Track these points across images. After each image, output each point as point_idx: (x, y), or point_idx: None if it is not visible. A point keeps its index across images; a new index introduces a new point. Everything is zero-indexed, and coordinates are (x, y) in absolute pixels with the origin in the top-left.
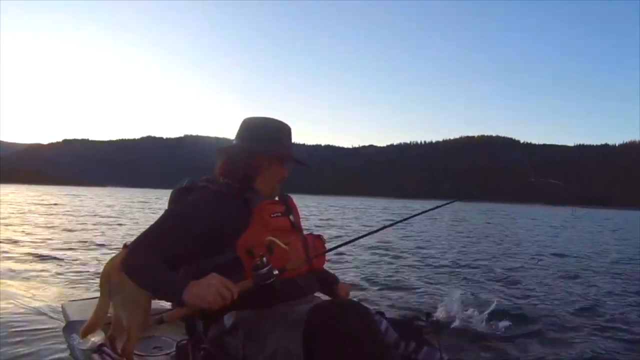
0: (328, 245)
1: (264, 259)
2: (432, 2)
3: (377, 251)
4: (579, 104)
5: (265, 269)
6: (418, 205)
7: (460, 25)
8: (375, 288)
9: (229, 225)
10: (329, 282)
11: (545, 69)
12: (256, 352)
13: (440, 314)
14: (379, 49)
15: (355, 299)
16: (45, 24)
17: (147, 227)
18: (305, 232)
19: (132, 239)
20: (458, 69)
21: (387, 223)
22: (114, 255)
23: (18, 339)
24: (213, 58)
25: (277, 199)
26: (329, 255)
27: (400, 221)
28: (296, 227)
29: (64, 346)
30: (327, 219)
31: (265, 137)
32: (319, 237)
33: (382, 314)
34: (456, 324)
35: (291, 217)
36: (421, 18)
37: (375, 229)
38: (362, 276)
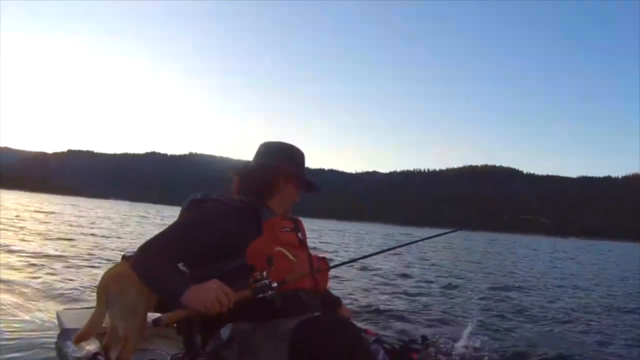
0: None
1: (264, 272)
2: (440, 26)
3: (374, 276)
4: (583, 135)
5: (264, 281)
6: (420, 232)
7: (464, 55)
8: (372, 311)
9: (239, 236)
10: (332, 304)
11: (550, 100)
12: None
13: (435, 337)
14: (385, 76)
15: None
16: (55, 33)
17: (157, 232)
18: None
19: (131, 249)
20: (462, 99)
21: (389, 247)
22: (112, 265)
23: (11, 346)
24: (219, 79)
25: (287, 218)
26: (329, 277)
27: (406, 244)
28: (303, 244)
29: (59, 354)
30: (326, 242)
31: (284, 158)
32: (323, 258)
33: (379, 340)
34: (451, 347)
35: (299, 234)
36: (429, 44)
37: (377, 250)
38: (359, 298)
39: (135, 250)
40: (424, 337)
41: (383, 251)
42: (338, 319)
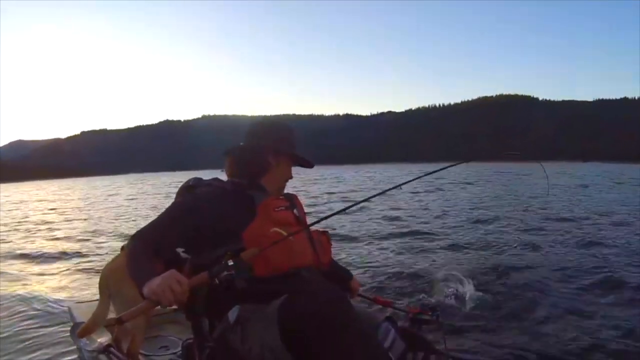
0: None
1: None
2: None
3: (381, 224)
4: (596, 57)
5: (222, 263)
6: (432, 167)
7: None
8: (380, 276)
9: (233, 220)
10: (342, 278)
11: (562, 23)
12: (250, 349)
13: (444, 303)
14: (392, 14)
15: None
16: (53, 18)
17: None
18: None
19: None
20: (472, 28)
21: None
22: (112, 258)
23: (26, 339)
24: (227, 36)
25: (281, 197)
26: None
27: (403, 184)
28: (301, 221)
29: (71, 347)
30: (340, 191)
31: (273, 135)
32: (324, 232)
33: (390, 320)
34: (462, 313)
35: (295, 211)
36: None
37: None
38: (366, 261)
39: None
40: (433, 308)
41: (373, 196)
42: (321, 293)
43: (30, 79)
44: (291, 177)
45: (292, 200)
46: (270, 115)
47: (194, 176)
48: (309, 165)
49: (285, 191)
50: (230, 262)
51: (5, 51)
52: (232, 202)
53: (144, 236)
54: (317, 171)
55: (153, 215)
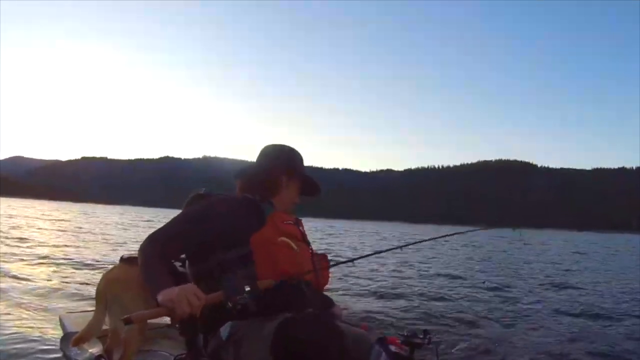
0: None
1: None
2: (452, 22)
3: (380, 271)
4: (596, 127)
5: (235, 283)
6: (434, 230)
7: (476, 50)
8: (376, 304)
9: (242, 228)
10: (325, 304)
11: (562, 93)
12: None
13: (438, 330)
14: (396, 73)
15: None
16: (64, 40)
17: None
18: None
19: (129, 253)
20: (475, 93)
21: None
22: (109, 269)
23: (16, 349)
24: (233, 82)
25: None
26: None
27: (416, 243)
28: (305, 239)
29: (61, 357)
30: (341, 242)
31: (285, 156)
32: (324, 255)
33: (382, 342)
34: (454, 340)
35: (301, 228)
36: (439, 39)
37: (386, 248)
38: (364, 292)
39: (132, 254)
40: (426, 332)
41: (386, 250)
42: (315, 317)
43: (36, 96)
44: (298, 202)
45: (298, 221)
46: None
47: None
48: (317, 190)
49: None
50: (247, 288)
51: (12, 65)
52: (243, 212)
53: (159, 239)
54: (312, 223)
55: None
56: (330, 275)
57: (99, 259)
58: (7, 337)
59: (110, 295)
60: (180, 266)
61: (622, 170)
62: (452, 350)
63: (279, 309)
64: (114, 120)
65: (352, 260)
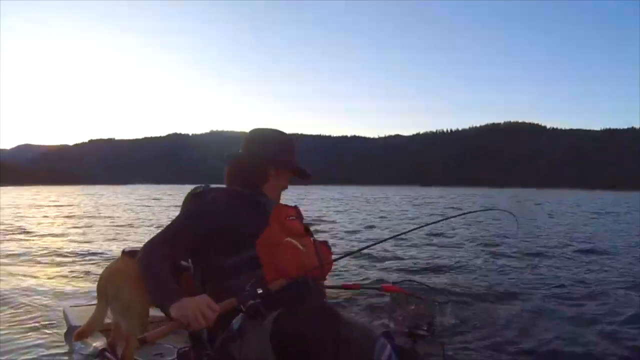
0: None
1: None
2: None
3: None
4: (605, 87)
5: (248, 289)
6: (441, 192)
7: (484, 10)
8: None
9: (244, 224)
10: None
11: (571, 53)
12: (247, 357)
13: (441, 320)
14: (402, 38)
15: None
16: (63, 25)
17: (164, 226)
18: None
19: (133, 244)
20: (482, 55)
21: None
22: (111, 262)
23: (20, 343)
24: (240, 54)
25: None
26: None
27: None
28: (308, 231)
29: (66, 351)
30: (348, 210)
31: (273, 146)
32: (324, 243)
33: (387, 335)
34: (458, 329)
35: (302, 222)
36: (445, 7)
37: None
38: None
39: (134, 247)
40: (430, 323)
41: (395, 236)
42: (313, 310)
43: (41, 83)
44: (287, 187)
45: (298, 210)
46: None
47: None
48: (307, 177)
49: (293, 203)
50: (260, 291)
51: (16, 54)
52: (242, 207)
53: (159, 246)
54: (324, 191)
55: (152, 230)
56: (334, 263)
57: (104, 249)
58: (11, 330)
59: (111, 289)
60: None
61: (631, 130)
62: (457, 339)
63: (284, 305)
64: (119, 102)
65: (359, 250)
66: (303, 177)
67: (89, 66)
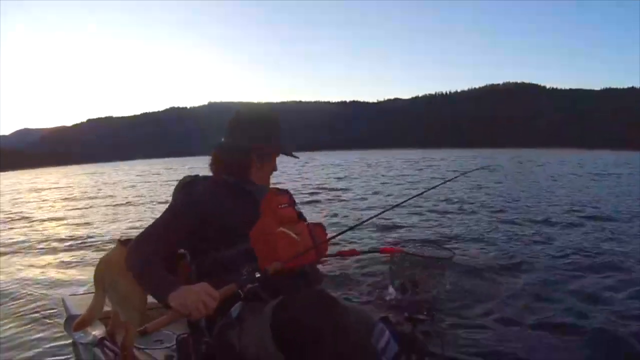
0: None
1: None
2: None
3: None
4: (604, 47)
5: (246, 274)
6: (441, 154)
7: None
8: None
9: (235, 215)
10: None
11: (569, 12)
12: (247, 346)
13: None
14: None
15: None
16: (57, 7)
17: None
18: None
19: (133, 225)
20: (480, 16)
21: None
22: (107, 251)
23: (19, 332)
24: (231, 23)
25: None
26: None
27: (421, 193)
28: (302, 217)
29: (65, 340)
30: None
31: (256, 132)
32: (319, 224)
33: (385, 320)
34: (458, 314)
35: (296, 207)
36: None
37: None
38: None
39: (130, 235)
40: (429, 309)
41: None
42: (311, 298)
43: (36, 66)
44: (276, 169)
45: (290, 195)
46: (258, 103)
47: (200, 162)
48: (294, 157)
49: (289, 174)
50: (258, 274)
51: (10, 40)
52: (231, 197)
53: (147, 242)
54: (325, 157)
55: (151, 207)
56: (328, 244)
57: (104, 232)
58: (10, 320)
59: (108, 280)
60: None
61: (632, 90)
62: (454, 323)
63: (285, 290)
64: (116, 79)
65: (351, 228)
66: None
67: (82, 46)
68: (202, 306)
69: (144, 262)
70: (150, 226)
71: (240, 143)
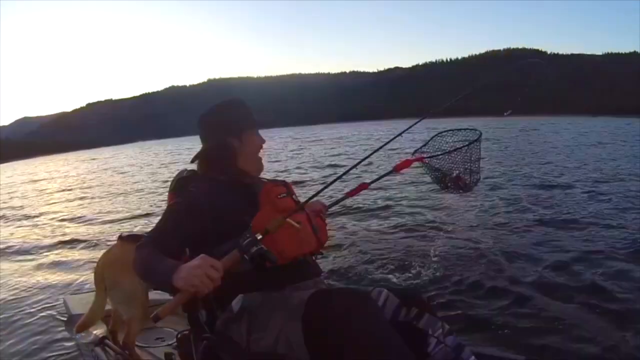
0: None
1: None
2: None
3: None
4: (605, 10)
5: (247, 237)
6: (452, 124)
7: None
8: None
9: (236, 210)
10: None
11: None
12: (259, 339)
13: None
14: None
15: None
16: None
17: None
18: None
19: (130, 224)
20: None
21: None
22: (107, 249)
23: (22, 332)
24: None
25: (276, 180)
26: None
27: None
28: (301, 207)
29: (67, 340)
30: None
31: (226, 125)
32: (318, 213)
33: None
34: (457, 299)
35: (294, 197)
36: None
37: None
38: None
39: (131, 231)
40: (428, 298)
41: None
42: (350, 289)
43: (33, 55)
44: (263, 142)
45: (287, 185)
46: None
47: (199, 141)
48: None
49: (289, 152)
50: (259, 236)
51: (7, 30)
52: (230, 192)
53: (153, 244)
54: (333, 129)
55: (149, 195)
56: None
57: (103, 229)
58: (12, 319)
59: (109, 278)
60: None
61: (634, 54)
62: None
63: (286, 281)
64: (114, 62)
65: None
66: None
67: (77, 30)
68: (207, 280)
69: (148, 261)
70: (153, 230)
71: (217, 137)
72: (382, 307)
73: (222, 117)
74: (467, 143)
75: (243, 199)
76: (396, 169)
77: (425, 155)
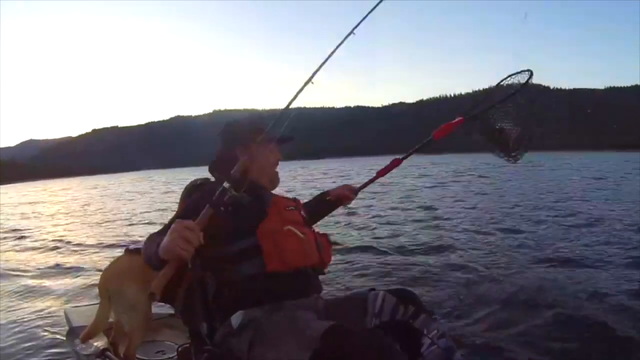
0: None
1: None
2: None
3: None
4: (606, 46)
5: (217, 191)
6: (455, 158)
7: None
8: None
9: (244, 216)
10: (324, 200)
11: (572, 12)
12: (260, 356)
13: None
14: (402, 5)
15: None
16: (58, 16)
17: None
18: None
19: (134, 245)
20: (482, 18)
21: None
22: (112, 261)
23: (21, 345)
24: (235, 28)
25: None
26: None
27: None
28: (308, 223)
29: (67, 352)
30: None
31: (233, 133)
32: (325, 235)
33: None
34: (453, 304)
35: (302, 212)
36: None
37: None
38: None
39: (137, 245)
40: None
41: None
42: (371, 334)
43: (42, 77)
44: (279, 159)
45: (297, 203)
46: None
47: (205, 172)
48: (288, 140)
49: (289, 182)
50: (226, 184)
51: (15, 52)
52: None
53: (155, 234)
54: (332, 164)
55: (153, 218)
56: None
57: (105, 243)
58: (12, 332)
59: (112, 289)
60: None
61: (636, 88)
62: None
63: (286, 293)
64: (121, 89)
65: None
66: (284, 142)
67: (85, 57)
68: (185, 242)
69: (146, 247)
70: (162, 229)
71: (228, 146)
72: (380, 309)
73: (236, 128)
74: (504, 97)
75: (252, 204)
76: (435, 137)
77: (464, 117)
